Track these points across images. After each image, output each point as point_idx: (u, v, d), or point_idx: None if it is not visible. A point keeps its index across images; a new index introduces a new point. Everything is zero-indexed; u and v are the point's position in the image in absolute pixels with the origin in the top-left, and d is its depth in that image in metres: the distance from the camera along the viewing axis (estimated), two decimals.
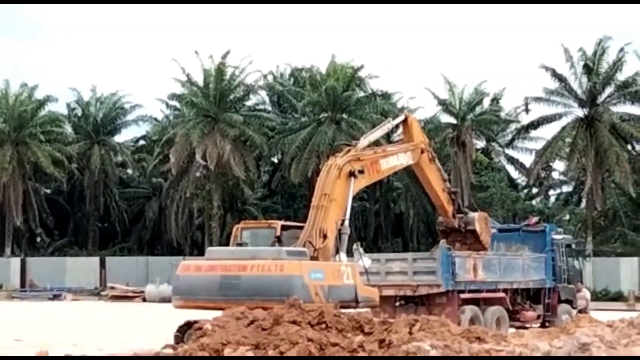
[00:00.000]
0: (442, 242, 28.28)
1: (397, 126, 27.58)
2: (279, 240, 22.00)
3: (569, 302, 30.47)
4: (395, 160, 25.59)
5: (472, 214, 28.37)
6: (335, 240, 21.97)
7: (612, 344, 9.01)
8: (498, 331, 22.65)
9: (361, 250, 23.34)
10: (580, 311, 29.56)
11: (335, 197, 22.37)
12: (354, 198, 23.40)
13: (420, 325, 17.61)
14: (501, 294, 27.79)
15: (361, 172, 23.27)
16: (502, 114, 71.29)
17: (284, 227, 22.65)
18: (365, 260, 22.83)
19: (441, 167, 28.30)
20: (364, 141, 24.37)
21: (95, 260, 69.37)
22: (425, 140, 27.41)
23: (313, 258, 21.49)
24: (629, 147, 63.48)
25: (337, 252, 21.86)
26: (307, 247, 21.52)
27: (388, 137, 39.85)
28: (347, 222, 22.36)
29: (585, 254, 49.13)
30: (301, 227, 22.39)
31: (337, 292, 20.78)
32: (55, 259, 70.65)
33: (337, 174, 22.69)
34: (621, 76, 62.06)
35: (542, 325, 28.07)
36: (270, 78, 74.12)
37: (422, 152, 26.44)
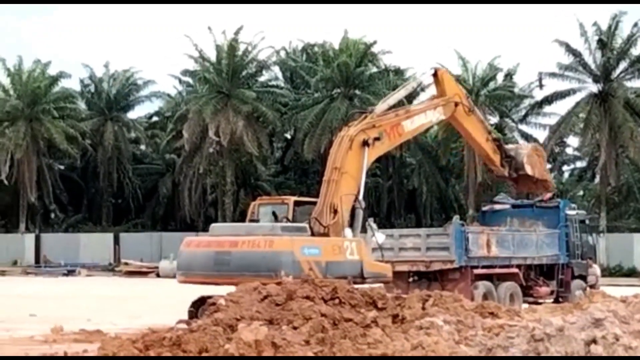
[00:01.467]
0: (455, 218, 28.29)
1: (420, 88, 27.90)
2: (291, 217, 22.00)
3: (582, 277, 30.43)
4: (423, 118, 24.78)
5: (520, 155, 27.67)
6: (349, 215, 21.82)
7: (626, 319, 9.00)
8: (511, 307, 22.67)
9: (374, 225, 23.19)
10: (590, 287, 29.51)
11: (346, 169, 22.05)
12: (366, 174, 23.05)
13: (433, 301, 17.64)
14: (515, 270, 27.75)
15: (378, 139, 22.78)
16: (516, 90, 70.94)
17: (297, 203, 22.61)
18: (379, 236, 22.74)
19: (483, 118, 27.28)
20: (382, 105, 23.84)
21: (109, 236, 69.59)
22: (461, 92, 26.54)
23: (323, 234, 21.45)
24: None
25: (351, 226, 21.77)
26: (314, 224, 21.48)
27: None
28: (361, 196, 22.09)
29: (599, 229, 49.04)
30: (315, 203, 22.36)
31: (338, 267, 20.77)
32: (69, 235, 70.92)
33: (348, 145, 22.31)
34: (635, 51, 61.82)
35: (556, 301, 28.05)
36: (282, 54, 74.01)
37: (457, 105, 25.56)
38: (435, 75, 25.98)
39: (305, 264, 20.27)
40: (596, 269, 31.21)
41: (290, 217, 22.09)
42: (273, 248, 20.28)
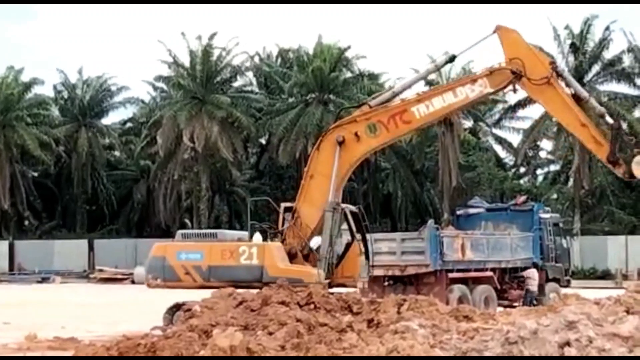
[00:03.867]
0: (430, 222, 28.36)
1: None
2: (281, 222, 22.13)
3: (556, 280, 30.57)
4: (451, 98, 21.48)
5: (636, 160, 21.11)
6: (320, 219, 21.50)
7: (599, 321, 9.06)
8: (486, 310, 22.76)
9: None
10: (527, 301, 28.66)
11: (315, 171, 21.73)
12: (348, 175, 22.41)
13: (408, 305, 17.68)
14: (489, 273, 27.88)
15: (371, 131, 21.43)
16: None
17: (286, 209, 22.60)
18: (313, 240, 22.46)
19: (581, 88, 22.12)
20: (384, 95, 22.58)
21: (84, 242, 69.28)
22: (531, 54, 21.56)
23: (284, 240, 21.50)
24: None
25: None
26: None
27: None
28: (330, 198, 21.29)
29: (573, 232, 49.31)
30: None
31: (225, 272, 21.05)
32: (43, 242, 70.49)
33: (317, 145, 22.05)
34: (607, 54, 62.12)
35: (530, 304, 28.14)
36: (257, 59, 74.02)
37: (516, 73, 21.15)
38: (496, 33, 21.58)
39: (179, 268, 21.27)
40: (534, 274, 29.53)
41: (280, 222, 22.10)
42: (152, 254, 22.16)
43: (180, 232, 24.25)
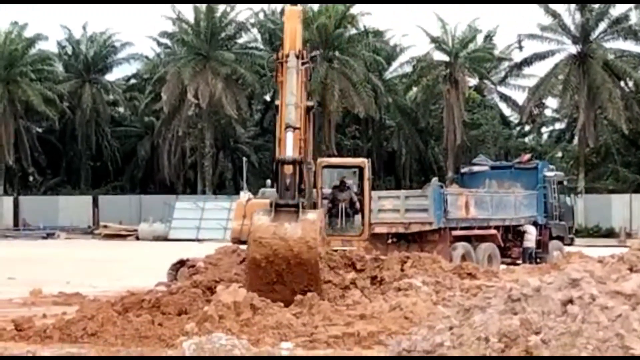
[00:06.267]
0: (434, 180, 28.33)
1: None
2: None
3: (560, 238, 30.59)
4: None
5: None
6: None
7: (602, 279, 9.05)
8: (489, 268, 22.82)
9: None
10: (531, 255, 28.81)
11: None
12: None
13: (412, 262, 17.74)
14: (493, 231, 27.86)
15: None
16: (496, 52, 71.00)
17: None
18: (242, 195, 21.89)
19: None
20: None
21: (88, 199, 69.43)
22: None
23: None
24: (622, 83, 63.30)
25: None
26: None
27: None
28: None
29: (577, 190, 49.32)
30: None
31: None
32: (48, 198, 70.67)
33: None
34: (614, 12, 61.82)
35: (534, 262, 28.20)
36: (261, 16, 73.64)
37: None
38: None
39: None
40: (531, 230, 29.09)
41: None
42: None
43: (262, 190, 24.10)
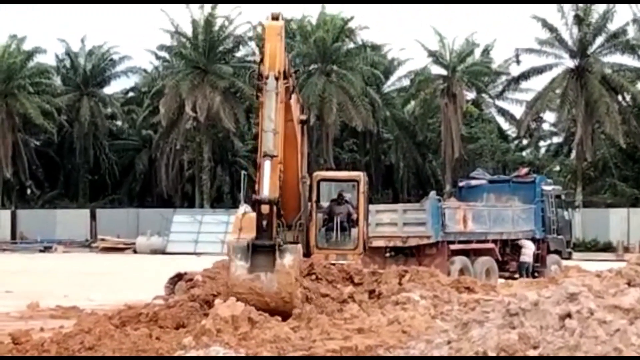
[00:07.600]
0: (432, 194, 28.34)
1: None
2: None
3: (558, 252, 30.59)
4: None
5: None
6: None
7: (600, 294, 9.06)
8: (487, 281, 22.81)
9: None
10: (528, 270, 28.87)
11: None
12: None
13: (410, 276, 17.71)
14: (491, 245, 27.87)
15: None
16: (493, 66, 71.16)
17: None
18: (240, 209, 21.89)
19: None
20: None
21: (86, 212, 69.36)
22: None
23: None
24: (619, 97, 63.40)
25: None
26: None
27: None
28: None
29: (575, 204, 49.27)
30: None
31: None
32: (45, 211, 70.59)
33: None
34: (612, 26, 61.98)
35: (532, 276, 28.21)
36: (259, 29, 73.67)
37: None
38: None
39: None
40: (528, 244, 29.27)
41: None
42: None
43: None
